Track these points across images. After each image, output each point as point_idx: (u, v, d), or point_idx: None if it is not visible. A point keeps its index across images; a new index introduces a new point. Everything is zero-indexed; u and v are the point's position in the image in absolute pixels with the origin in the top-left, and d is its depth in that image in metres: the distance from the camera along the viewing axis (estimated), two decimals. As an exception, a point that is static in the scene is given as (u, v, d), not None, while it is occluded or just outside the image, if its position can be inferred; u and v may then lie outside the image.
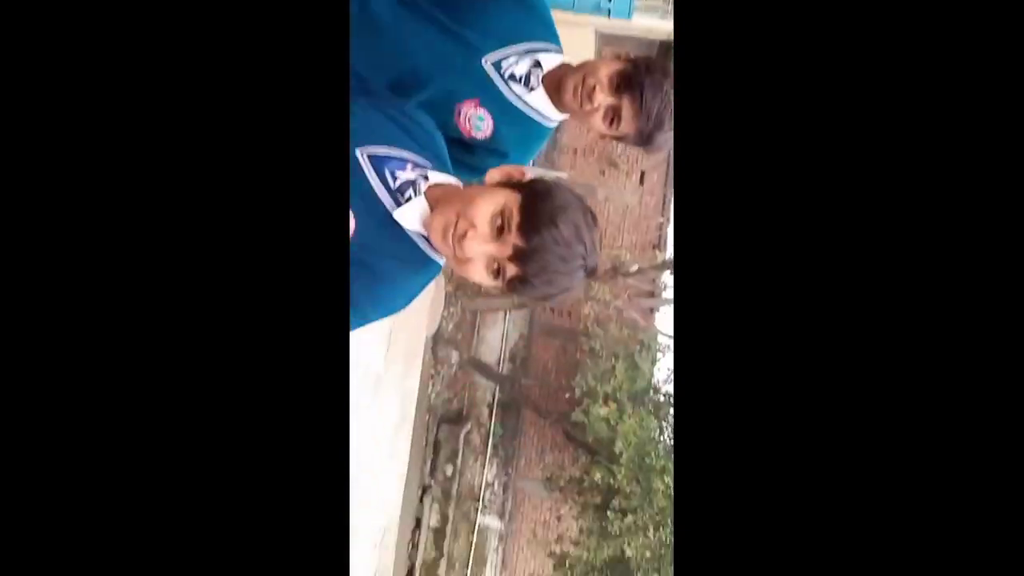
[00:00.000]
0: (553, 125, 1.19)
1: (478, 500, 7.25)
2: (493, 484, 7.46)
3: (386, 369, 5.45)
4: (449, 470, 7.12)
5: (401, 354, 5.74)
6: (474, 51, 1.10)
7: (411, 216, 0.85)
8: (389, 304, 0.92)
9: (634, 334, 7.29)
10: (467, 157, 1.14)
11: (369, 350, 4.95)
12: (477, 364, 7.38)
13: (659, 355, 7.33)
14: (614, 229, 8.56)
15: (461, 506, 7.28)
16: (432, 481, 7.01)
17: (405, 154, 0.88)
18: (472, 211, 0.77)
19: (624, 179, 8.61)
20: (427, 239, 0.87)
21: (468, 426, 7.30)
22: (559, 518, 7.20)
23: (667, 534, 5.08)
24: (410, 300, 0.93)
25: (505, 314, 7.86)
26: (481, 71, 1.11)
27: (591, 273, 0.79)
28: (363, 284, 0.82)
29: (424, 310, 6.12)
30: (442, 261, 0.90)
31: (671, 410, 6.76)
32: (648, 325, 7.73)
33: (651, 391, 6.80)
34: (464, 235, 0.76)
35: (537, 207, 0.76)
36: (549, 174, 8.17)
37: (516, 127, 1.14)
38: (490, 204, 0.77)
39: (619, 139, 1.11)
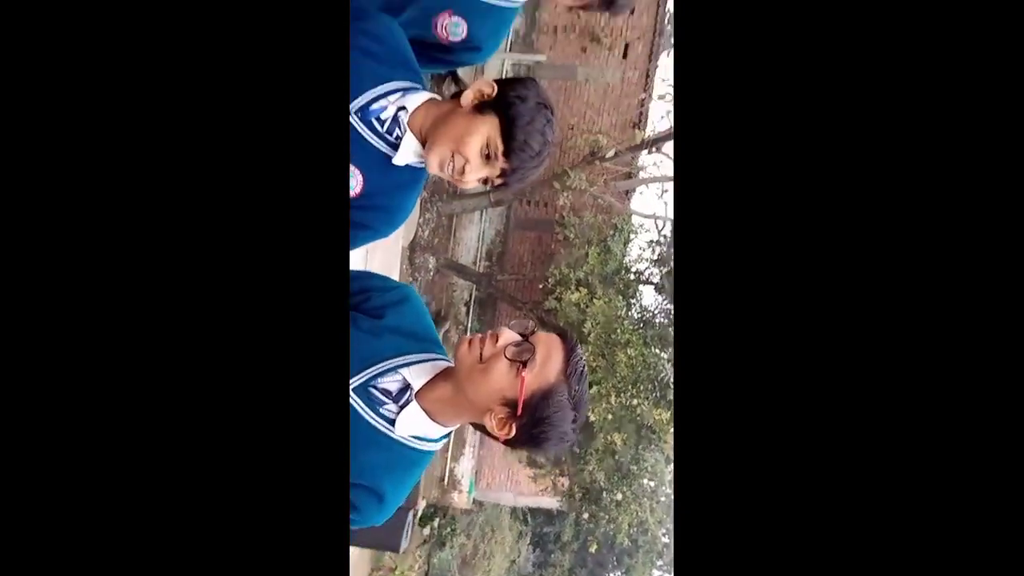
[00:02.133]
0: (519, 5, 1.29)
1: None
2: (473, 375, 7.90)
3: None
4: (432, 367, 7.54)
5: (378, 269, 6.00)
6: None
7: (407, 154, 1.08)
8: (398, 221, 1.18)
9: (608, 218, 7.35)
10: (445, 56, 1.30)
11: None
12: (454, 266, 7.60)
13: (632, 235, 7.47)
14: (593, 112, 8.34)
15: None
16: (416, 378, 7.46)
17: (379, 89, 1.05)
18: (464, 148, 1.01)
19: (606, 54, 8.30)
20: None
21: (447, 325, 7.61)
22: (532, 398, 7.65)
23: (626, 399, 5.48)
24: (410, 211, 1.19)
25: (482, 213, 7.99)
26: None
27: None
28: (382, 217, 1.11)
29: (397, 221, 6.28)
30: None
31: (639, 287, 6.98)
32: (623, 208, 7.77)
33: (621, 271, 7.00)
34: (462, 170, 1.02)
35: (513, 132, 1.00)
36: (525, 59, 7.88)
37: (487, 21, 1.25)
38: (477, 139, 1.00)
39: (584, 8, 1.19)
